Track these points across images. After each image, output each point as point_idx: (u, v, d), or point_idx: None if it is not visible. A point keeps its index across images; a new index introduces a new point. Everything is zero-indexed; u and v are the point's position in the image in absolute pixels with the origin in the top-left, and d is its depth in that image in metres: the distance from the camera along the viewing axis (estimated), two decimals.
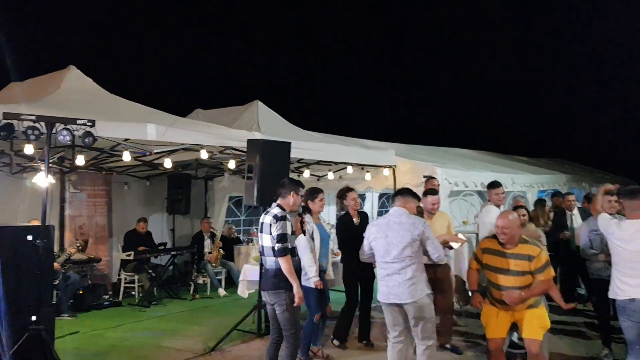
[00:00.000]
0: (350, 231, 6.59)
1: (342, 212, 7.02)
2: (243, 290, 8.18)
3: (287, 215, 5.03)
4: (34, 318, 5.22)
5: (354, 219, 6.77)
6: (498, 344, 5.05)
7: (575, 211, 8.53)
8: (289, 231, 4.96)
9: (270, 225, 4.96)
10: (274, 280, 4.98)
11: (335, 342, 6.76)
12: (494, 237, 5.02)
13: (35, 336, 5.14)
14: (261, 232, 5.12)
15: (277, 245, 4.89)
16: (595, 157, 21.05)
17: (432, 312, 5.01)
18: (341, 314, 6.87)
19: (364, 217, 6.92)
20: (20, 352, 5.04)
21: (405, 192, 5.29)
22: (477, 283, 5.31)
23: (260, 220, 5.19)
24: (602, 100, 29.08)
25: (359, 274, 6.61)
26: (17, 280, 5.33)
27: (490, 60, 32.66)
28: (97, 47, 23.28)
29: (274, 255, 4.94)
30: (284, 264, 4.88)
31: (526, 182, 12.01)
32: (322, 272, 6.19)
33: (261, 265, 5.35)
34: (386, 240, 4.96)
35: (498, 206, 7.16)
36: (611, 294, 4.91)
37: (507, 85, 31.22)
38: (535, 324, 4.87)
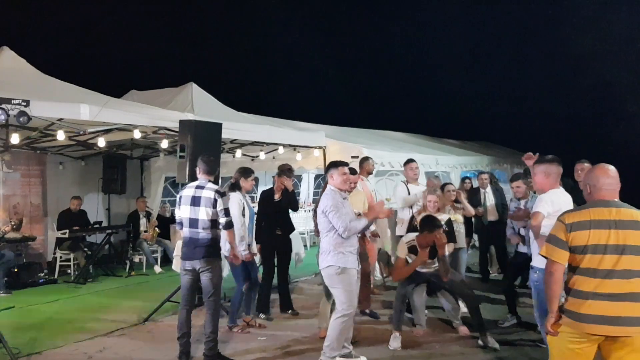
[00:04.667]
0: (269, 205, 7.01)
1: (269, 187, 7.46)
2: (177, 265, 8.49)
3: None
4: None
5: (276, 195, 7.19)
6: None
7: (489, 189, 9.22)
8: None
9: (215, 199, 5.37)
10: (208, 249, 5.40)
11: (262, 315, 7.08)
12: (576, 208, 3.49)
13: None
14: (196, 205, 5.42)
15: (226, 219, 5.41)
16: (519, 139, 22.22)
17: (336, 284, 5.12)
18: (260, 288, 7.08)
19: (286, 196, 7.28)
20: None
21: (328, 168, 5.42)
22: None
23: (190, 194, 5.48)
24: (526, 88, 30.58)
25: (274, 246, 7.10)
26: None
27: (426, 48, 33.55)
28: (29, 27, 22.66)
29: (223, 228, 5.46)
30: (231, 235, 5.64)
31: (450, 163, 12.76)
32: (249, 245, 6.62)
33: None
34: None
35: (414, 181, 7.73)
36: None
37: (442, 73, 32.21)
38: None
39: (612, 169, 3.43)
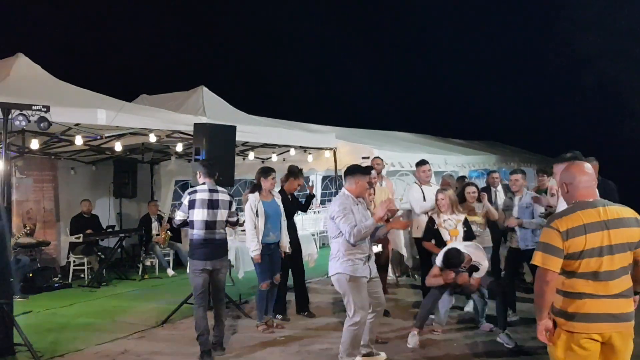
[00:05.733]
0: (285, 206, 7.05)
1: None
2: None
3: None
4: None
5: (288, 196, 7.26)
6: None
7: (500, 188, 9.23)
8: None
9: (230, 202, 5.80)
10: (224, 249, 5.90)
11: (278, 316, 7.13)
12: (563, 212, 3.32)
13: None
14: (215, 208, 5.67)
15: (237, 217, 5.94)
16: (524, 138, 22.32)
17: (345, 291, 5.05)
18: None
19: (295, 198, 7.51)
20: None
21: (355, 171, 5.20)
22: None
23: (206, 197, 5.64)
24: (531, 87, 30.73)
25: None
26: None
27: (431, 50, 33.66)
28: (38, 34, 22.82)
29: (233, 225, 6.01)
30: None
31: (458, 162, 12.81)
32: (274, 244, 6.70)
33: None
34: None
35: (426, 183, 7.75)
36: None
37: (446, 73, 32.31)
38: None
39: (587, 165, 3.39)
